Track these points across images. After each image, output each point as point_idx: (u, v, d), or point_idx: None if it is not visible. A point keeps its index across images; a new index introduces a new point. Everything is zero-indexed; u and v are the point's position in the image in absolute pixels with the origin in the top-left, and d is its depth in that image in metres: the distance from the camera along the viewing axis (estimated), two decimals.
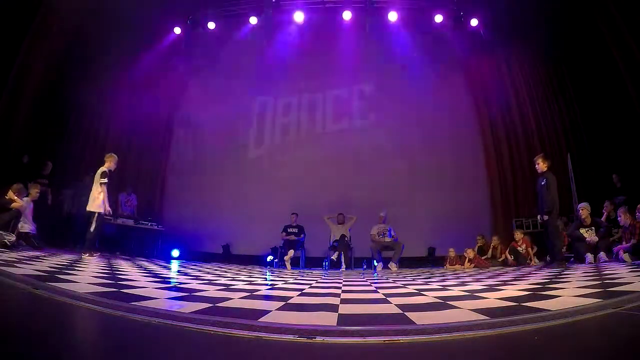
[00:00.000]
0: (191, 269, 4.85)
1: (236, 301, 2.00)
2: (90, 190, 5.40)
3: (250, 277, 3.98)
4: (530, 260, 6.25)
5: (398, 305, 1.89)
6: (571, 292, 2.11)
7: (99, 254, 5.27)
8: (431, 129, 8.80)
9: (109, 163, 5.49)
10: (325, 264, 7.01)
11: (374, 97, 9.32)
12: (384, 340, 1.24)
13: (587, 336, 1.35)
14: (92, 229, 5.13)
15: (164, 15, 9.09)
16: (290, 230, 7.37)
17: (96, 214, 5.20)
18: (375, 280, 3.93)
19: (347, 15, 9.40)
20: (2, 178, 5.48)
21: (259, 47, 9.57)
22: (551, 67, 8.51)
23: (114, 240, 6.93)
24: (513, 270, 5.16)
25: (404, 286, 3.05)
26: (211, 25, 9.70)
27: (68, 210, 7.06)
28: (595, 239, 5.26)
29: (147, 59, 9.09)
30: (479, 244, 7.11)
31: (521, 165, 8.21)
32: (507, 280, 3.28)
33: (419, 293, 2.51)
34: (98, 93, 8.23)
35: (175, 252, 7.87)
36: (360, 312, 1.86)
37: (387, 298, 2.23)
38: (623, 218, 5.13)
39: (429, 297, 2.26)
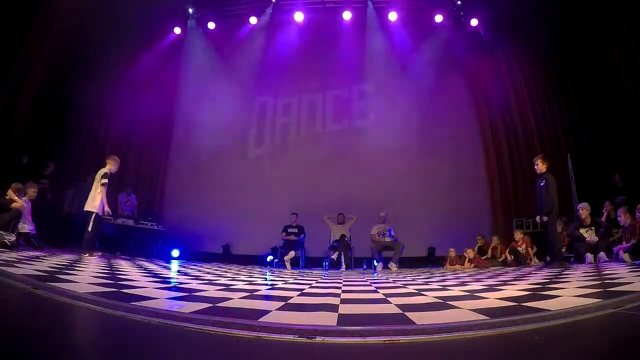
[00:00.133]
0: (191, 269, 4.85)
1: (236, 301, 2.00)
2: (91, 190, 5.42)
3: (250, 277, 3.98)
4: (530, 260, 6.25)
5: (398, 305, 1.89)
6: (571, 292, 2.11)
7: (100, 253, 5.27)
8: (431, 129, 8.80)
9: (110, 165, 5.48)
10: (325, 264, 7.01)
11: (374, 97, 9.31)
12: (384, 340, 1.24)
13: (587, 336, 1.35)
14: (89, 228, 5.12)
15: (164, 15, 9.10)
16: (290, 230, 7.37)
17: (94, 214, 5.18)
18: (375, 280, 3.93)
19: (347, 15, 9.41)
20: (2, 178, 5.48)
21: (259, 47, 9.57)
22: (551, 67, 8.52)
23: (114, 240, 6.92)
24: (513, 270, 5.16)
25: (404, 286, 3.05)
26: (211, 25, 9.72)
27: (68, 210, 7.06)
28: (595, 239, 5.26)
29: (147, 59, 9.10)
30: (479, 244, 7.11)
31: (521, 165, 8.21)
32: (507, 280, 3.28)
33: (419, 293, 2.51)
34: (98, 93, 8.24)
35: (175, 252, 7.87)
36: (360, 312, 1.86)
37: (387, 298, 2.23)
38: (623, 218, 5.13)
39: (429, 297, 2.26)
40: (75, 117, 8.28)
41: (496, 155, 8.64)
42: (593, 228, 5.41)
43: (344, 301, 2.11)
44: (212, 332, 1.29)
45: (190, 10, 9.67)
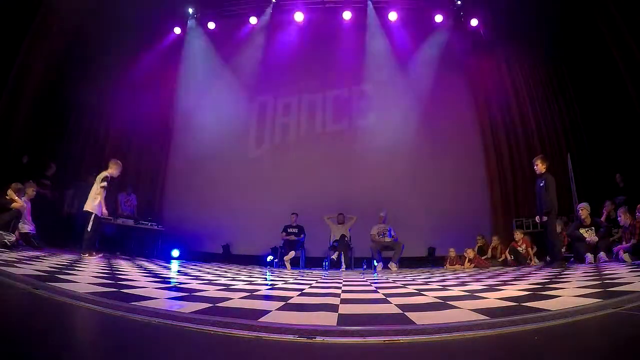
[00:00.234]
0: (191, 269, 4.85)
1: (236, 301, 2.00)
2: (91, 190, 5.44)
3: (250, 277, 3.98)
4: (530, 260, 6.25)
5: (398, 305, 1.89)
6: (571, 292, 2.11)
7: (101, 254, 5.27)
8: (431, 129, 8.80)
9: (112, 169, 5.50)
10: (325, 264, 7.02)
11: (374, 97, 9.31)
12: (384, 340, 1.24)
13: (587, 336, 1.35)
14: (88, 228, 5.13)
15: (164, 15, 9.11)
16: (290, 230, 7.37)
17: (93, 215, 5.20)
18: (375, 280, 3.93)
19: (347, 15, 9.42)
20: (2, 178, 5.48)
21: (259, 47, 9.57)
22: (551, 67, 8.52)
23: (114, 240, 6.93)
24: (513, 270, 5.16)
25: (404, 286, 3.05)
26: (211, 25, 9.72)
27: (68, 210, 7.06)
28: (595, 239, 5.26)
29: (147, 59, 9.10)
30: (479, 244, 7.11)
31: (521, 165, 8.21)
32: (507, 280, 3.28)
33: (419, 293, 2.51)
34: (98, 93, 8.24)
35: (175, 252, 7.87)
36: (360, 312, 1.86)
37: (387, 298, 2.23)
38: (623, 218, 5.13)
39: (429, 297, 2.26)
40: (75, 117, 8.29)
41: (496, 155, 8.64)
42: (593, 228, 5.41)
43: (344, 301, 2.11)
44: (212, 332, 1.29)
45: (190, 10, 9.68)
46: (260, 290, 2.65)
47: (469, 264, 6.61)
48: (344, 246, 7.02)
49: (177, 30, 9.69)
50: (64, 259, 3.99)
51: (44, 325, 1.33)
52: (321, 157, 9.03)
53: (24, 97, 6.67)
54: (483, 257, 6.80)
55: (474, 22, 9.15)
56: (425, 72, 9.07)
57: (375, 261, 6.72)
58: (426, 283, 3.36)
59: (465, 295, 2.28)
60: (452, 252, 6.99)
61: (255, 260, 7.70)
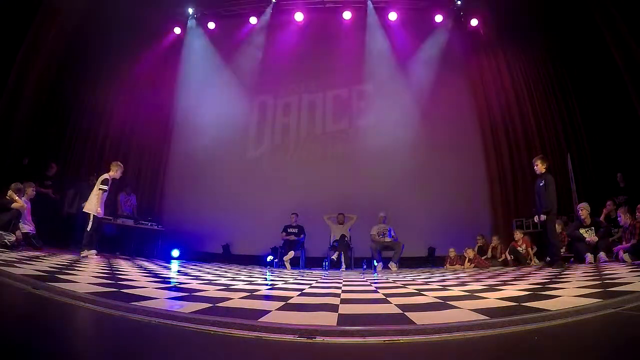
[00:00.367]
0: (191, 269, 4.85)
1: (236, 301, 2.00)
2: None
3: (250, 277, 3.98)
4: (530, 260, 6.25)
5: (398, 305, 1.89)
6: (571, 292, 2.11)
7: (100, 255, 5.27)
8: (431, 129, 8.81)
9: (113, 172, 5.54)
10: (325, 264, 7.01)
11: (374, 97, 9.31)
12: (384, 340, 1.24)
13: (587, 336, 1.35)
14: (88, 228, 5.19)
15: (164, 15, 9.11)
16: (290, 230, 7.37)
17: (92, 215, 5.25)
18: (375, 280, 3.93)
19: (347, 15, 9.42)
20: (2, 178, 5.49)
21: (259, 47, 9.57)
22: (551, 67, 8.51)
23: (114, 240, 6.93)
24: (513, 270, 5.16)
25: (404, 286, 3.05)
26: (211, 25, 9.72)
27: (68, 210, 7.06)
28: (595, 239, 5.26)
29: (147, 59, 9.10)
30: (479, 244, 7.11)
31: (521, 165, 8.21)
32: (507, 280, 3.28)
33: (419, 293, 2.51)
34: (98, 93, 8.25)
35: (175, 252, 7.87)
36: (361, 312, 1.86)
37: (387, 298, 2.23)
38: (623, 218, 5.13)
39: (429, 297, 2.26)
40: (75, 117, 8.28)
41: (496, 155, 8.63)
42: (593, 228, 5.41)
43: (344, 301, 2.11)
44: (212, 332, 1.29)
45: (190, 10, 9.68)
46: (260, 290, 2.65)
47: (468, 264, 6.61)
48: (344, 246, 7.02)
49: (177, 30, 9.69)
50: (64, 259, 3.99)
51: (44, 325, 1.33)
52: (321, 157, 9.03)
53: (24, 97, 6.67)
54: (483, 257, 6.80)
55: (474, 22, 9.15)
56: (425, 72, 9.07)
57: (375, 261, 6.72)
58: (426, 283, 3.36)
59: (465, 295, 2.28)
60: (452, 252, 6.99)
61: (255, 260, 7.70)
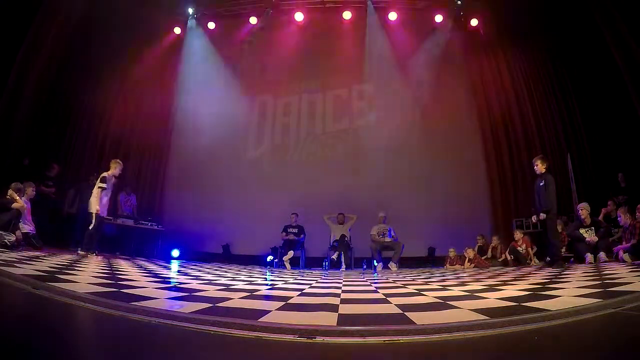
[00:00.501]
0: (191, 269, 4.85)
1: (236, 301, 2.00)
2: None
3: (250, 277, 3.98)
4: (530, 260, 6.25)
5: (398, 305, 1.89)
6: (571, 292, 2.11)
7: (100, 255, 5.28)
8: (431, 129, 8.80)
9: (113, 169, 5.66)
10: (325, 264, 7.02)
11: (374, 97, 9.31)
12: (384, 340, 1.24)
13: (587, 336, 1.35)
14: (90, 227, 5.28)
15: (164, 15, 9.10)
16: (290, 230, 7.38)
17: (93, 215, 5.34)
18: (375, 280, 3.93)
19: (347, 15, 9.41)
20: (2, 178, 5.49)
21: (259, 47, 9.57)
22: (551, 67, 8.52)
23: (114, 240, 6.93)
24: (513, 270, 5.16)
25: (404, 286, 3.05)
26: (211, 25, 9.72)
27: (68, 210, 7.06)
28: (595, 239, 5.26)
29: (147, 59, 9.10)
30: (479, 244, 7.11)
31: (521, 165, 8.21)
32: (507, 280, 3.28)
33: (419, 293, 2.51)
34: (98, 93, 8.24)
35: (175, 252, 7.87)
36: (361, 312, 1.86)
37: (387, 298, 2.23)
38: (623, 218, 5.13)
39: (429, 297, 2.26)
40: (75, 117, 8.28)
41: (496, 155, 8.64)
42: (593, 228, 5.41)
43: (344, 301, 2.11)
44: (212, 332, 1.29)
45: (190, 10, 9.67)
46: (260, 290, 2.65)
47: (468, 263, 6.61)
48: (344, 246, 7.02)
49: (177, 30, 9.69)
50: (64, 259, 3.99)
51: (43, 325, 1.33)
52: (321, 157, 9.03)
53: (24, 97, 6.67)
54: (483, 257, 6.80)
55: (474, 22, 9.15)
56: (425, 72, 9.06)
57: (375, 261, 6.72)
58: (426, 283, 3.35)
59: (465, 295, 2.28)
60: (452, 252, 6.99)
61: (255, 260, 7.70)
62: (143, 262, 5.33)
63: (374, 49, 9.33)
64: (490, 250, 6.96)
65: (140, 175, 9.00)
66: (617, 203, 6.09)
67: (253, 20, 9.55)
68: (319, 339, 1.24)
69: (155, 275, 3.30)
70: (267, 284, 3.23)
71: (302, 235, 7.35)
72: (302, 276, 4.54)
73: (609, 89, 7.22)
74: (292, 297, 2.27)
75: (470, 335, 1.26)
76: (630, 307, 1.59)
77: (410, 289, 2.82)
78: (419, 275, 4.63)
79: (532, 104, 8.52)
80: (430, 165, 8.58)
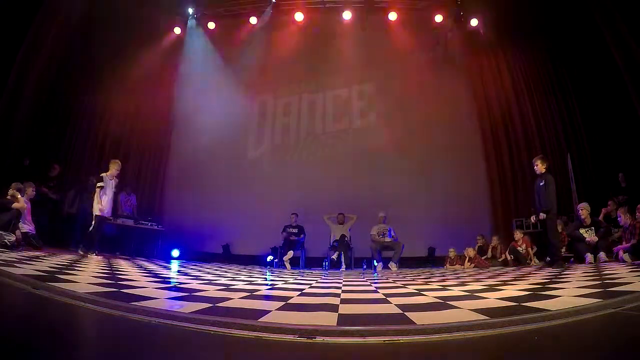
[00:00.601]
0: (191, 269, 4.85)
1: (236, 301, 2.00)
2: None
3: (250, 277, 3.98)
4: (530, 260, 6.25)
5: (398, 305, 1.89)
6: (571, 292, 2.11)
7: (100, 255, 5.28)
8: (431, 129, 8.80)
9: (112, 170, 5.73)
10: (325, 264, 7.02)
11: (374, 97, 9.31)
12: (384, 340, 1.24)
13: (587, 336, 1.35)
14: (90, 228, 5.32)
15: (164, 15, 9.10)
16: (290, 230, 7.38)
17: (94, 216, 5.39)
18: (376, 280, 3.93)
19: (347, 15, 9.41)
20: (2, 179, 5.49)
21: (259, 47, 9.57)
22: (551, 67, 8.52)
23: (114, 240, 6.93)
24: (513, 270, 5.16)
25: (404, 286, 3.05)
26: (211, 25, 9.72)
27: (68, 210, 7.06)
28: (595, 239, 5.26)
29: (147, 59, 9.09)
30: (479, 244, 7.11)
31: (521, 165, 8.21)
32: (507, 280, 3.28)
33: (419, 293, 2.51)
34: (98, 93, 8.24)
35: (175, 252, 7.87)
36: (361, 312, 1.86)
37: (387, 298, 2.23)
38: (623, 218, 5.13)
39: (429, 297, 2.26)
40: (75, 117, 8.28)
41: (496, 155, 8.64)
42: (593, 228, 5.41)
43: (344, 301, 2.11)
44: (212, 332, 1.29)
45: (190, 10, 9.67)
46: (260, 290, 2.65)
47: (468, 263, 6.61)
48: (344, 246, 7.02)
49: (177, 30, 9.69)
50: (64, 259, 3.99)
51: (43, 325, 1.33)
52: (321, 157, 9.03)
53: (24, 97, 6.67)
54: (483, 257, 6.80)
55: (474, 22, 9.15)
56: (425, 72, 9.06)
57: (375, 261, 6.72)
58: (426, 283, 3.35)
59: (465, 295, 2.28)
60: (452, 252, 6.98)
61: (255, 260, 7.70)
62: (143, 262, 5.33)
63: (374, 49, 9.32)
64: (490, 250, 6.96)
65: (140, 175, 9.00)
66: (618, 203, 6.09)
67: (253, 20, 9.55)
68: (319, 339, 1.24)
69: (155, 275, 3.30)
70: (267, 284, 3.23)
71: (302, 235, 7.35)
72: (302, 276, 4.54)
73: (609, 89, 7.22)
74: (292, 297, 2.27)
75: (470, 335, 1.26)
76: (630, 307, 1.59)
77: (410, 289, 2.82)
78: (419, 275, 4.63)
79: (532, 104, 8.52)
80: (430, 165, 8.58)
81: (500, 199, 8.35)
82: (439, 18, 9.24)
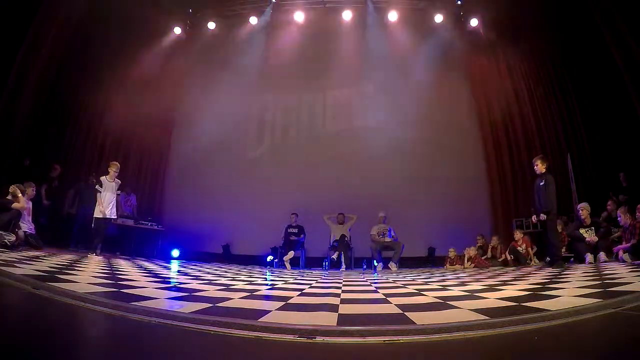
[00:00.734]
0: (191, 269, 4.85)
1: (236, 301, 2.00)
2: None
3: (250, 277, 3.98)
4: (530, 260, 6.24)
5: (398, 305, 1.89)
6: (571, 292, 2.11)
7: (100, 256, 5.29)
8: (431, 129, 8.80)
9: (111, 172, 5.78)
10: (325, 264, 7.02)
11: (374, 97, 9.30)
12: (384, 340, 1.24)
13: (587, 336, 1.35)
14: (92, 231, 5.39)
15: (164, 15, 9.10)
16: (290, 230, 7.38)
17: (94, 218, 5.47)
18: (375, 280, 3.93)
19: (347, 15, 9.41)
20: (2, 178, 5.49)
21: (259, 47, 9.57)
22: (551, 67, 8.51)
23: (114, 240, 6.93)
24: (513, 270, 5.16)
25: (404, 286, 3.05)
26: (211, 25, 9.72)
27: (68, 210, 7.06)
28: (595, 239, 5.26)
29: (147, 59, 9.09)
30: (479, 244, 7.11)
31: (521, 165, 8.21)
32: (507, 280, 3.28)
33: (419, 293, 2.51)
34: (98, 93, 8.23)
35: (175, 252, 7.87)
36: (361, 312, 1.87)
37: (387, 298, 2.23)
38: (623, 218, 5.13)
39: (429, 297, 2.26)
40: (75, 117, 8.28)
41: (496, 155, 8.63)
42: (593, 228, 5.41)
43: (344, 301, 2.11)
44: (212, 332, 1.30)
45: (190, 10, 9.67)
46: (260, 290, 2.65)
47: (468, 263, 6.61)
48: (344, 246, 7.02)
49: (177, 30, 9.68)
50: (64, 259, 3.99)
51: (43, 325, 1.33)
52: (321, 157, 9.02)
53: (24, 97, 6.67)
54: (483, 257, 6.80)
55: (474, 22, 9.15)
56: (425, 72, 9.05)
57: (375, 261, 6.72)
58: (426, 283, 3.36)
59: (465, 295, 2.28)
60: (452, 252, 6.98)
61: (255, 260, 7.70)
62: (143, 262, 5.33)
63: (374, 49, 9.31)
64: (490, 250, 6.96)
65: (140, 175, 9.00)
66: (618, 202, 6.09)
67: (253, 20, 9.55)
68: (319, 339, 1.24)
69: (155, 275, 3.31)
70: (267, 284, 3.23)
71: (302, 235, 7.35)
72: (302, 276, 4.54)
73: (609, 89, 7.22)
74: (292, 297, 2.27)
75: (470, 335, 1.26)
76: (630, 307, 1.59)
77: (410, 289, 2.82)
78: (419, 275, 4.63)
79: (532, 104, 8.51)
80: (430, 165, 8.57)
81: (500, 199, 8.35)
82: (439, 18, 9.24)
